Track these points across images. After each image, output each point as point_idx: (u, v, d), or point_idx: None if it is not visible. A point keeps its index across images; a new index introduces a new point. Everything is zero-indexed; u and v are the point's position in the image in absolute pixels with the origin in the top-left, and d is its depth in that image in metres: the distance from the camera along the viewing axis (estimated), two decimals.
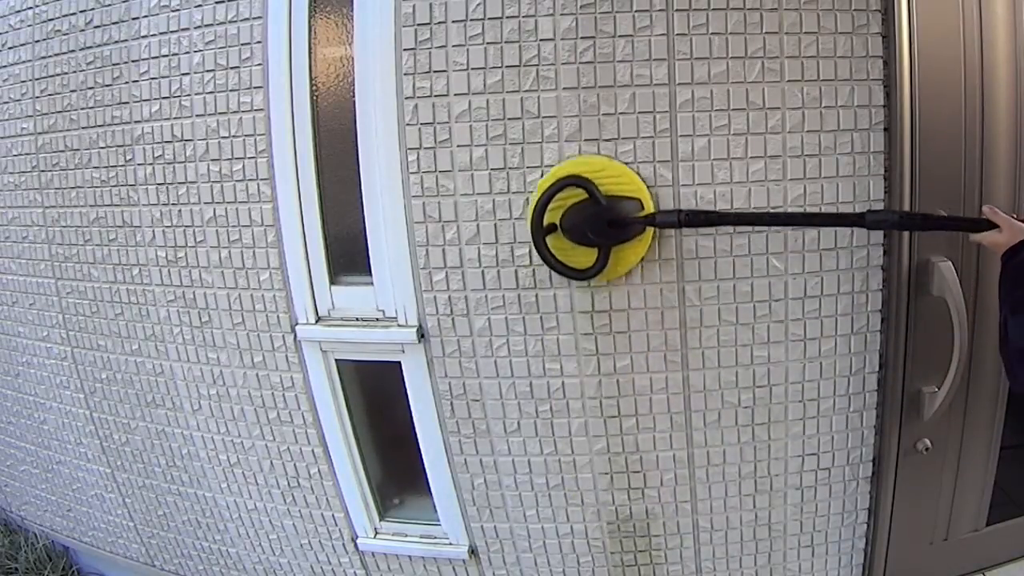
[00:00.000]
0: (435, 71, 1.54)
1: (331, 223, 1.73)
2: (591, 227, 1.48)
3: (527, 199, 1.54)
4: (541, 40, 1.49)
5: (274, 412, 1.89)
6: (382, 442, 1.94)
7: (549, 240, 1.51)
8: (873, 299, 1.61)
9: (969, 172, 1.58)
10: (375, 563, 2.02)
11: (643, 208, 1.50)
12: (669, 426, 1.69)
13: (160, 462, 2.12)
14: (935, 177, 1.55)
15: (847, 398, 1.67)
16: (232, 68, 1.68)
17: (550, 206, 1.48)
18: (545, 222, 1.49)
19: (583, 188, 1.48)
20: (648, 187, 1.52)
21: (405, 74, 1.55)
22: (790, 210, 1.50)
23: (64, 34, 1.87)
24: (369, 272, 1.72)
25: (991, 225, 1.35)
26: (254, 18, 1.64)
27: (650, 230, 1.52)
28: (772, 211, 1.50)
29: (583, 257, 1.52)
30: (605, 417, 1.69)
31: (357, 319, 1.76)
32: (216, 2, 1.66)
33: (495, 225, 1.59)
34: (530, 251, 1.59)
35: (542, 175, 1.54)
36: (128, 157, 1.84)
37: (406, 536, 1.96)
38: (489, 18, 1.49)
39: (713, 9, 1.45)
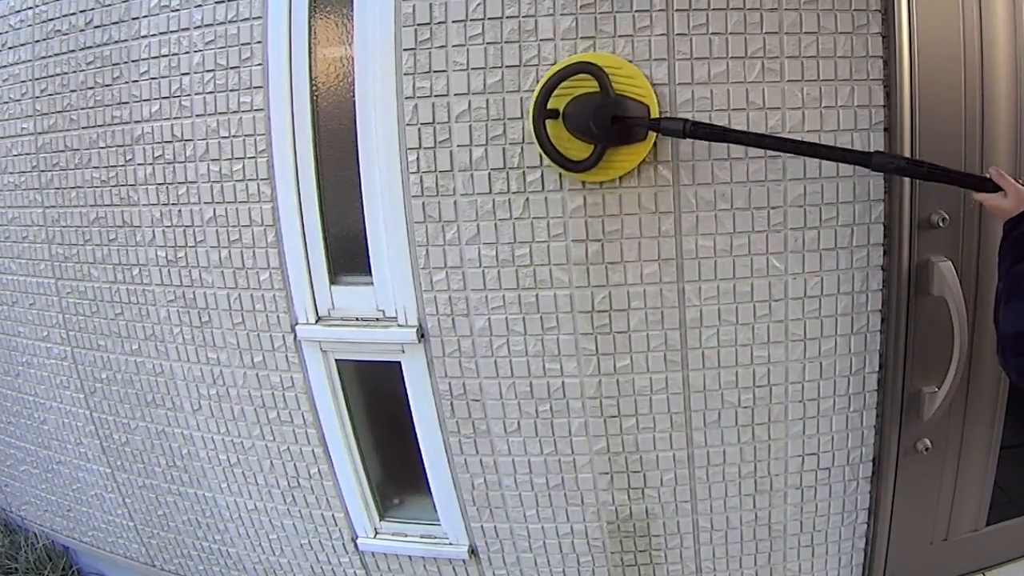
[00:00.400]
0: (435, 71, 1.54)
1: (331, 223, 1.73)
2: (595, 119, 1.42)
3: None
4: (541, 40, 1.49)
5: (274, 412, 1.89)
6: (382, 442, 1.94)
7: (548, 125, 1.44)
8: (873, 299, 1.61)
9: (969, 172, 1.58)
10: (375, 563, 2.02)
11: (649, 114, 1.45)
12: (669, 426, 1.69)
13: (160, 462, 2.12)
14: None
15: (847, 398, 1.67)
16: (232, 68, 1.68)
17: (556, 92, 1.42)
18: (549, 106, 1.43)
19: (595, 77, 1.41)
20: (658, 105, 1.46)
21: (405, 74, 1.55)
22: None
23: (64, 34, 1.87)
24: (369, 272, 1.72)
25: (996, 188, 1.33)
26: (254, 18, 1.64)
27: (651, 138, 1.47)
28: (777, 135, 1.45)
29: (580, 151, 1.46)
30: (605, 417, 1.69)
31: (357, 319, 1.76)
32: (216, 2, 1.66)
33: (495, 225, 1.59)
34: (530, 251, 1.59)
35: (542, 175, 1.54)
36: (128, 157, 1.84)
37: (406, 536, 1.96)
38: (489, 18, 1.49)
39: (713, 9, 1.45)
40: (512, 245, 1.59)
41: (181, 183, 1.79)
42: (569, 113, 1.45)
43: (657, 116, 1.45)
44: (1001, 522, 1.91)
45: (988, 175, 1.36)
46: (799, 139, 1.47)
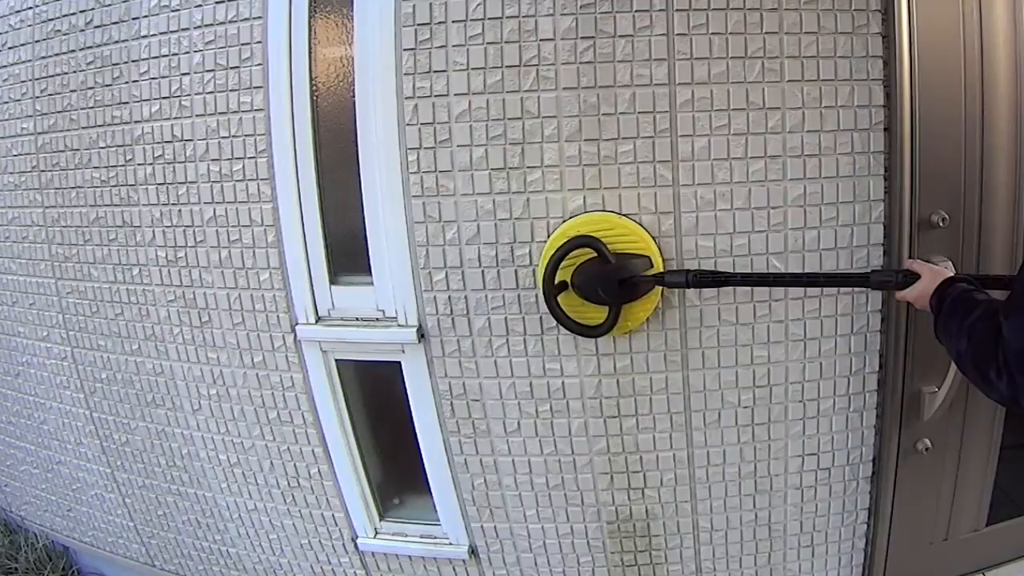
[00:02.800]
0: (435, 71, 1.54)
1: (331, 223, 1.73)
2: (602, 286, 1.49)
3: (536, 265, 1.57)
4: (541, 40, 1.49)
5: (274, 412, 1.89)
6: (382, 442, 1.94)
7: (561, 298, 1.52)
8: (873, 299, 1.61)
9: (969, 172, 1.58)
10: (375, 563, 2.02)
11: (652, 265, 1.51)
12: (669, 426, 1.69)
13: (160, 462, 2.12)
14: (935, 177, 1.55)
15: (847, 398, 1.67)
16: (232, 68, 1.68)
17: (561, 264, 1.49)
18: (556, 280, 1.50)
19: (592, 248, 1.49)
20: (657, 247, 1.54)
21: (405, 74, 1.55)
22: (795, 271, 1.54)
23: (64, 34, 1.87)
24: (369, 272, 1.72)
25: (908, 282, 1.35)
26: (254, 18, 1.64)
27: (659, 288, 1.54)
28: (778, 272, 1.53)
29: (594, 313, 1.53)
30: (605, 417, 1.69)
31: (357, 319, 1.76)
32: (216, 2, 1.66)
33: (495, 225, 1.59)
34: (530, 251, 1.59)
35: (542, 175, 1.54)
36: (128, 157, 1.84)
37: (406, 536, 1.96)
38: (489, 18, 1.50)
39: (713, 9, 1.45)
40: (512, 245, 1.59)
41: (181, 183, 1.79)
42: (577, 283, 1.51)
43: (660, 268, 1.51)
44: (1001, 522, 1.91)
45: (907, 267, 1.39)
46: (799, 272, 1.53)
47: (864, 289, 1.59)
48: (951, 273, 1.31)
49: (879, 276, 1.41)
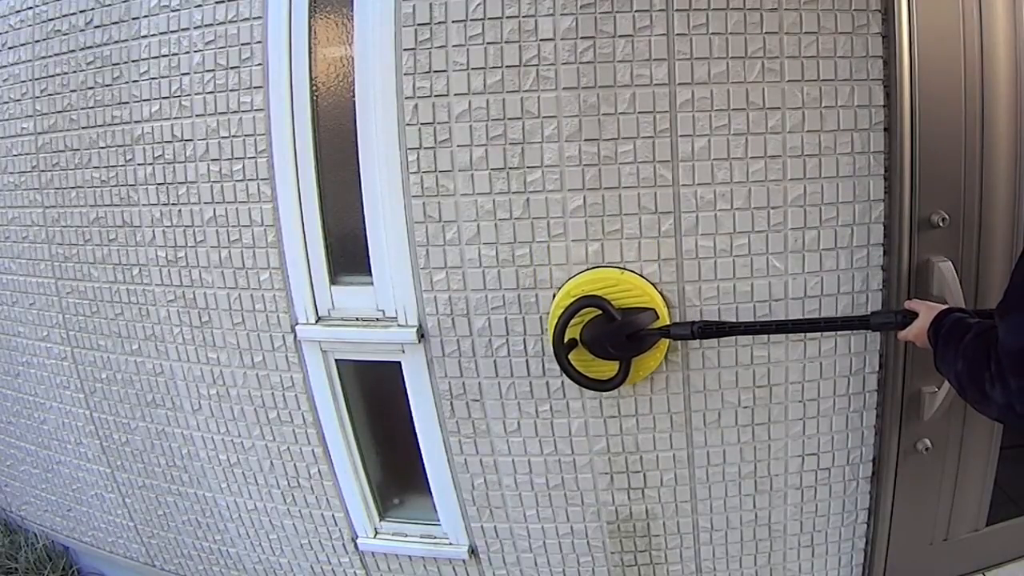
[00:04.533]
0: (435, 71, 1.54)
1: (331, 223, 1.73)
2: (610, 342, 1.52)
3: (545, 316, 1.60)
4: (541, 40, 1.49)
5: (274, 412, 1.89)
6: (382, 442, 1.94)
7: (572, 355, 1.55)
8: (873, 299, 1.61)
9: (969, 172, 1.58)
10: (375, 563, 2.02)
11: (658, 317, 1.54)
12: (669, 426, 1.69)
13: (160, 462, 2.12)
14: (935, 177, 1.55)
15: (847, 398, 1.67)
16: (232, 68, 1.68)
17: (570, 322, 1.53)
18: (566, 338, 1.53)
19: (597, 308, 1.52)
20: (661, 298, 1.57)
21: (405, 74, 1.55)
22: (796, 318, 1.57)
23: (64, 34, 1.87)
24: (369, 272, 1.72)
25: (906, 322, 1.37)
26: (254, 18, 1.64)
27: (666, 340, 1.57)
28: (780, 320, 1.56)
29: (606, 367, 1.56)
30: (605, 417, 1.69)
31: (357, 319, 1.76)
32: (216, 2, 1.66)
33: (495, 225, 1.59)
34: (530, 251, 1.59)
35: (542, 175, 1.54)
36: (128, 157, 1.84)
37: (406, 536, 1.96)
38: (489, 18, 1.50)
39: (713, 9, 1.45)
40: (512, 245, 1.59)
41: (181, 183, 1.79)
42: (587, 340, 1.54)
43: (666, 320, 1.54)
44: (1001, 522, 1.91)
45: (905, 307, 1.42)
46: (800, 319, 1.56)
47: (864, 289, 1.59)
48: (946, 306, 1.33)
49: (879, 318, 1.44)
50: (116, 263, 1.94)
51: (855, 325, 1.46)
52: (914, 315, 1.37)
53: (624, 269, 1.57)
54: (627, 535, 1.81)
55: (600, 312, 1.52)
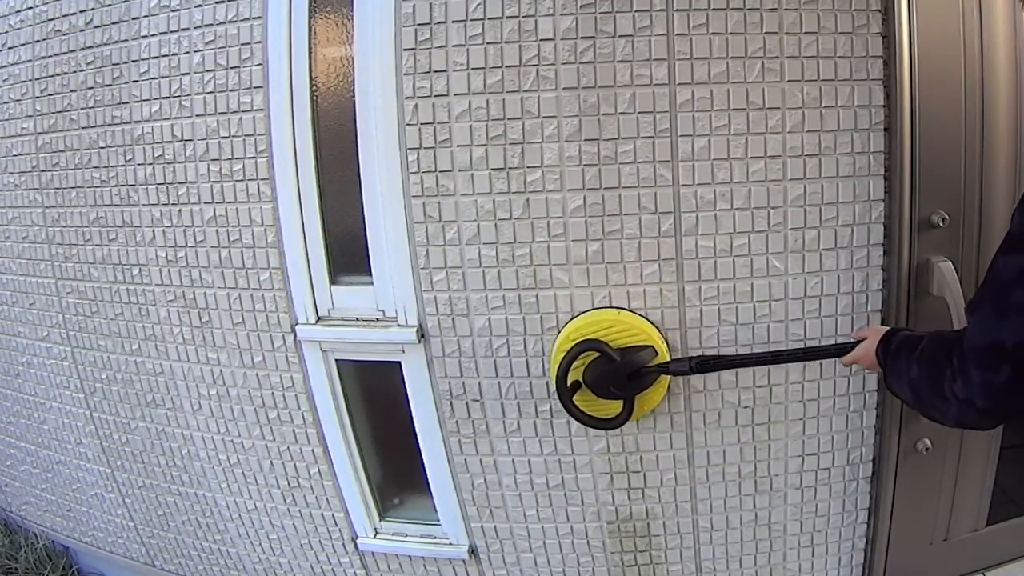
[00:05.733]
0: (435, 71, 1.54)
1: (331, 223, 1.73)
2: (612, 382, 1.55)
3: (550, 352, 1.62)
4: (541, 40, 1.49)
5: (274, 412, 1.89)
6: (382, 442, 1.94)
7: (577, 398, 1.58)
8: (873, 299, 1.61)
9: (969, 172, 1.58)
10: (375, 563, 2.02)
11: (657, 354, 1.55)
12: (669, 426, 1.69)
13: (160, 462, 2.12)
14: (935, 177, 1.55)
15: (847, 398, 1.67)
16: (232, 68, 1.68)
17: (572, 365, 1.56)
18: (569, 380, 1.56)
19: (596, 351, 1.55)
20: (659, 333, 1.59)
21: (405, 74, 1.55)
22: (791, 348, 1.59)
23: (64, 34, 1.87)
24: (369, 272, 1.72)
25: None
26: (254, 18, 1.64)
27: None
28: (775, 351, 1.57)
29: (610, 406, 1.59)
30: None
31: (357, 319, 1.76)
32: (216, 2, 1.66)
33: (495, 225, 1.59)
34: (531, 251, 1.59)
35: (542, 175, 1.54)
36: (128, 157, 1.84)
37: (406, 536, 1.96)
38: (489, 18, 1.50)
39: (713, 9, 1.45)
40: (512, 245, 1.59)
41: (181, 183, 1.79)
42: (590, 382, 1.57)
43: (665, 356, 1.57)
44: (1001, 522, 1.91)
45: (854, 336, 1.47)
46: (794, 349, 1.57)
47: (864, 289, 1.59)
48: (892, 327, 1.35)
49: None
50: (116, 263, 1.94)
51: (848, 350, 1.50)
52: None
53: (620, 309, 1.59)
54: (627, 535, 1.81)
55: (600, 354, 1.55)
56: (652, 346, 1.56)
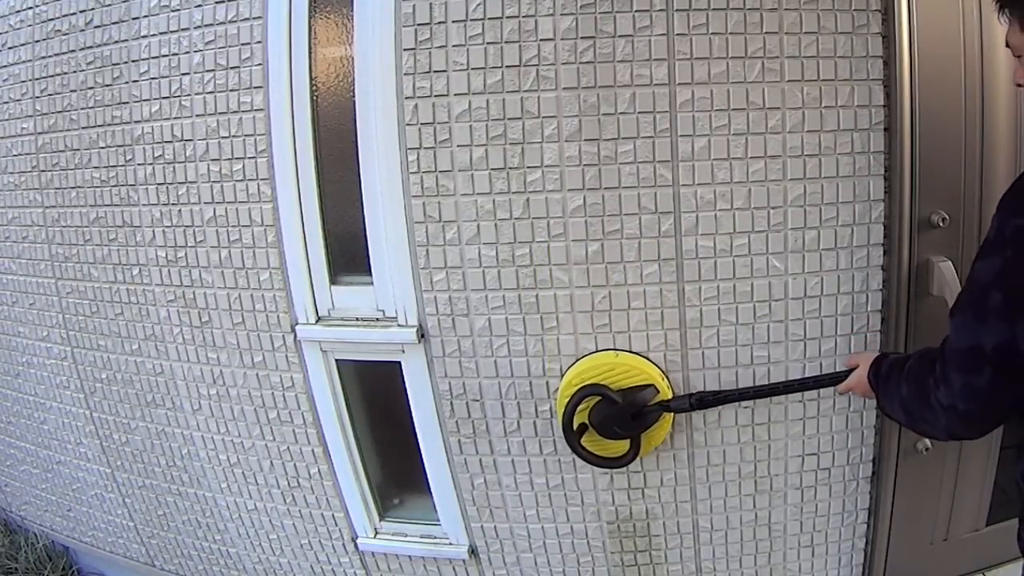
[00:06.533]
0: (435, 71, 1.54)
1: (331, 223, 1.73)
2: (616, 423, 1.59)
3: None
4: (541, 40, 1.49)
5: (274, 412, 1.89)
6: (382, 442, 1.94)
7: (585, 439, 1.61)
8: (873, 299, 1.61)
9: (969, 172, 1.58)
10: (375, 563, 2.02)
11: (658, 391, 1.58)
12: (669, 426, 1.68)
13: (160, 462, 2.12)
14: (935, 177, 1.55)
15: (847, 398, 1.67)
16: (232, 68, 1.68)
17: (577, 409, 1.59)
18: (576, 423, 1.59)
19: (598, 395, 1.58)
20: (659, 371, 1.62)
21: (405, 74, 1.55)
22: (789, 379, 1.61)
23: (64, 34, 1.87)
24: (369, 272, 1.72)
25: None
26: (254, 18, 1.64)
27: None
28: (772, 383, 1.61)
29: (618, 445, 1.62)
30: None
31: (357, 319, 1.76)
32: (216, 2, 1.66)
33: (495, 225, 1.59)
34: (531, 251, 1.59)
35: (542, 175, 1.54)
36: (128, 157, 1.84)
37: (406, 536, 1.96)
38: (489, 18, 1.49)
39: (713, 9, 1.45)
40: (512, 245, 1.59)
41: (181, 183, 1.79)
42: (595, 423, 1.60)
43: (667, 392, 1.60)
44: (1001, 522, 1.90)
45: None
46: (791, 380, 1.59)
47: (864, 289, 1.59)
48: (881, 352, 1.38)
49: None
50: (116, 263, 1.94)
51: (843, 379, 1.52)
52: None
53: (619, 351, 1.62)
54: (627, 535, 1.81)
55: (602, 397, 1.58)
56: (653, 385, 1.58)
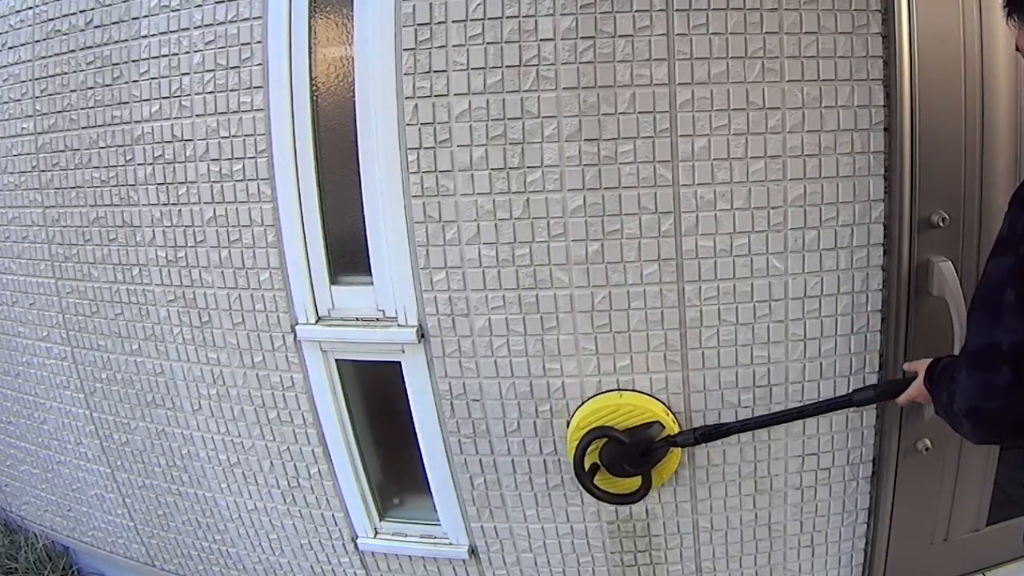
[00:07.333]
0: (435, 71, 1.54)
1: (331, 223, 1.73)
2: (626, 461, 1.62)
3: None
4: (541, 40, 1.49)
5: (274, 412, 1.89)
6: (382, 442, 1.94)
7: (598, 479, 1.64)
8: (873, 299, 1.61)
9: (969, 172, 1.58)
10: (375, 563, 2.02)
11: (664, 427, 1.61)
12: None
13: (160, 462, 2.12)
14: (935, 177, 1.55)
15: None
16: (232, 68, 1.68)
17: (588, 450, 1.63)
18: (588, 464, 1.62)
19: (605, 436, 1.61)
20: (663, 406, 1.64)
21: (405, 74, 1.55)
22: (790, 407, 1.63)
23: (64, 34, 1.87)
24: (369, 272, 1.72)
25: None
26: (254, 18, 1.64)
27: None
28: (772, 413, 1.62)
29: (630, 481, 1.66)
30: None
31: (357, 319, 1.76)
32: (216, 2, 1.66)
33: (495, 225, 1.59)
34: (531, 251, 1.59)
35: (542, 175, 1.54)
36: (128, 157, 1.84)
37: (406, 536, 1.96)
38: (489, 18, 1.49)
39: (713, 9, 1.45)
40: (512, 245, 1.59)
41: (181, 183, 1.79)
42: (606, 463, 1.64)
43: (672, 431, 1.62)
44: (1001, 522, 1.91)
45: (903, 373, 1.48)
46: (792, 408, 1.61)
47: (864, 289, 1.59)
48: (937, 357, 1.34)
49: (861, 395, 1.51)
50: (116, 263, 1.94)
51: (840, 404, 1.55)
52: (895, 382, 1.46)
53: (622, 391, 1.65)
54: (627, 535, 1.81)
55: (609, 439, 1.62)
56: (658, 421, 1.61)
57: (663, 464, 1.65)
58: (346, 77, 1.64)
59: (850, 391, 1.56)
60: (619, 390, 1.65)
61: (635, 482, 1.65)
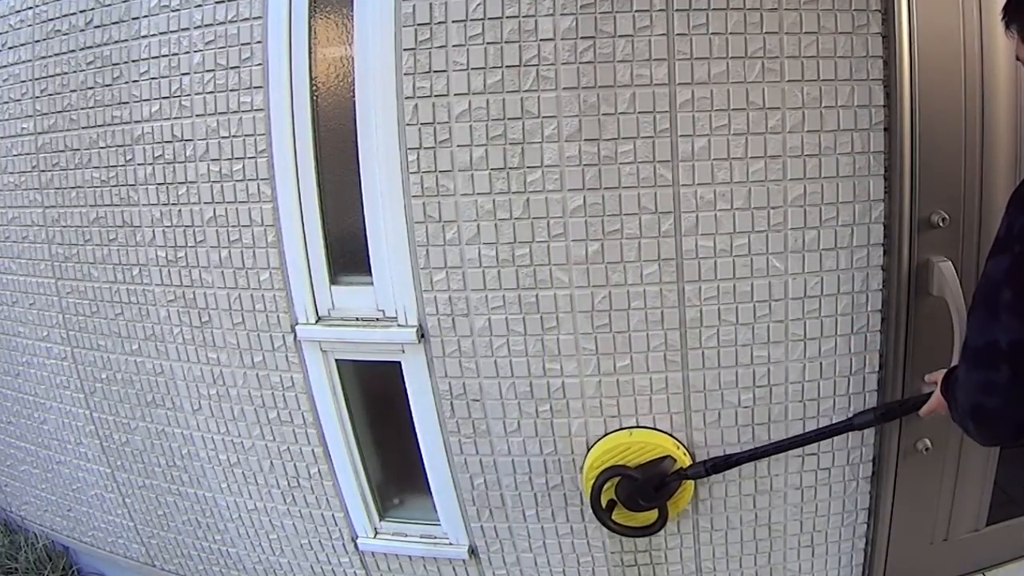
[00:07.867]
0: (435, 71, 1.54)
1: (331, 223, 1.73)
2: (640, 497, 1.67)
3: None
4: (541, 40, 1.49)
5: (274, 412, 1.89)
6: (382, 442, 1.94)
7: (615, 515, 1.69)
8: (873, 299, 1.61)
9: (969, 172, 1.58)
10: (375, 563, 2.02)
11: (675, 461, 1.65)
12: (669, 426, 1.68)
13: (160, 462, 2.12)
14: (935, 177, 1.55)
15: (847, 398, 1.67)
16: (232, 68, 1.68)
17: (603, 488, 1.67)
18: (605, 501, 1.67)
19: (618, 475, 1.65)
20: (673, 441, 1.67)
21: (405, 74, 1.55)
22: (792, 435, 1.65)
23: (64, 34, 1.87)
24: (369, 272, 1.72)
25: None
26: (254, 18, 1.64)
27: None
28: (777, 441, 1.65)
29: (647, 515, 1.70)
30: (605, 417, 1.69)
31: (357, 319, 1.76)
32: (216, 2, 1.66)
33: (495, 225, 1.59)
34: (531, 251, 1.59)
35: (542, 175, 1.54)
36: (128, 157, 1.84)
37: (406, 536, 1.96)
38: (489, 18, 1.49)
39: (713, 9, 1.45)
40: (512, 245, 1.59)
41: (181, 183, 1.79)
42: (623, 499, 1.68)
43: (684, 464, 1.66)
44: (1001, 522, 1.91)
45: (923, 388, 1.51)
46: (795, 436, 1.64)
47: (864, 289, 1.59)
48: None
49: (861, 418, 1.54)
50: (116, 263, 1.94)
51: (840, 429, 1.57)
52: (893, 406, 1.50)
53: (632, 429, 1.68)
54: None
55: (622, 477, 1.65)
56: (669, 456, 1.65)
57: (678, 496, 1.69)
58: (346, 77, 1.64)
59: (850, 416, 1.59)
60: (628, 428, 1.68)
61: (652, 515, 1.69)
